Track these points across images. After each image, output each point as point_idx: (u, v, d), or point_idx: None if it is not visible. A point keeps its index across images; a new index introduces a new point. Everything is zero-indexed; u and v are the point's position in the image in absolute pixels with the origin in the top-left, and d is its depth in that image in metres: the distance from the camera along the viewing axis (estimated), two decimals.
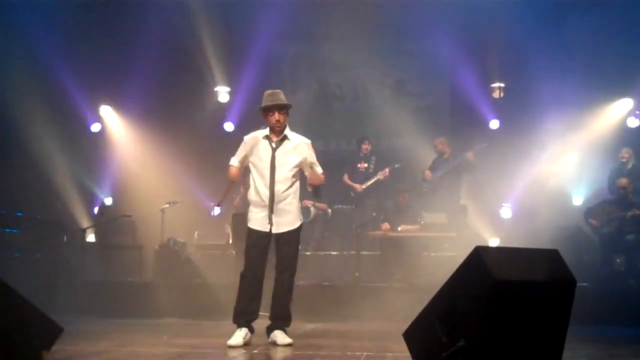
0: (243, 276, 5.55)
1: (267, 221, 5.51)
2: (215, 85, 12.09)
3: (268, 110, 5.58)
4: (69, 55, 10.81)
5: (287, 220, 5.58)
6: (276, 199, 5.52)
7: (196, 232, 10.42)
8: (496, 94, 11.56)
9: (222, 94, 12.09)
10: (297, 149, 5.65)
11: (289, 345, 5.36)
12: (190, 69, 11.72)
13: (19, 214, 10.01)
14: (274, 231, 5.54)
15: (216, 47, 11.53)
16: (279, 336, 5.45)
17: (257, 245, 5.55)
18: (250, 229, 5.62)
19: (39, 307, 4.31)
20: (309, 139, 5.80)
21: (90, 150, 11.76)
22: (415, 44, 11.92)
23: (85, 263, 9.36)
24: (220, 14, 11.24)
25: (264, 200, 5.54)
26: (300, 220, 5.72)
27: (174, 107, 11.60)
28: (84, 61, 10.97)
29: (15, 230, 9.89)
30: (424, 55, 11.88)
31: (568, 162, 10.81)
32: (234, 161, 5.76)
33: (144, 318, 8.21)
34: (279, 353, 5.09)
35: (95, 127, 11.97)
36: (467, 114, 11.53)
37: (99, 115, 11.95)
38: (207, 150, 11.14)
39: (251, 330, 5.50)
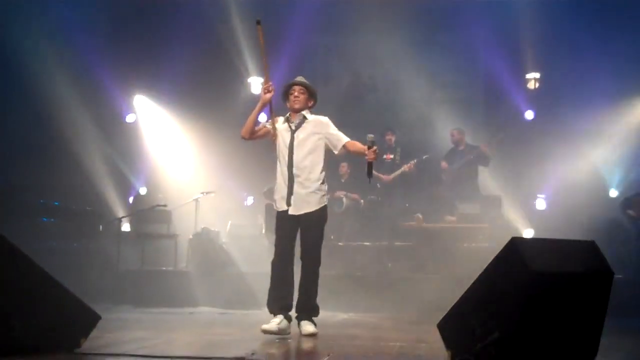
0: (272, 264, 5.56)
1: (286, 201, 5.53)
2: (248, 76, 12.13)
3: (289, 87, 5.73)
4: (104, 47, 10.94)
5: (307, 201, 5.54)
6: (296, 180, 5.53)
7: (229, 222, 10.48)
8: (531, 85, 11.41)
9: (255, 85, 12.15)
10: (315, 127, 5.67)
11: (312, 335, 5.32)
12: (223, 61, 11.76)
13: (55, 203, 10.16)
14: (293, 212, 5.52)
15: (249, 38, 11.55)
16: (304, 326, 5.43)
17: (281, 227, 5.57)
18: (276, 212, 5.66)
19: (76, 295, 4.39)
20: (342, 130, 5.78)
21: (125, 141, 11.90)
22: (449, 35, 11.81)
23: (120, 252, 9.46)
24: (253, 5, 11.25)
25: (285, 181, 5.57)
26: (322, 204, 5.63)
27: (207, 98, 11.65)
28: (118, 52, 11.09)
29: (52, 220, 10.05)
30: (458, 46, 11.75)
31: (604, 153, 10.65)
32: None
33: (178, 307, 8.30)
34: (311, 342, 5.09)
35: (130, 118, 12.13)
36: (501, 105, 11.41)
37: (133, 106, 12.10)
38: (240, 141, 11.14)
39: (287, 318, 5.44)
